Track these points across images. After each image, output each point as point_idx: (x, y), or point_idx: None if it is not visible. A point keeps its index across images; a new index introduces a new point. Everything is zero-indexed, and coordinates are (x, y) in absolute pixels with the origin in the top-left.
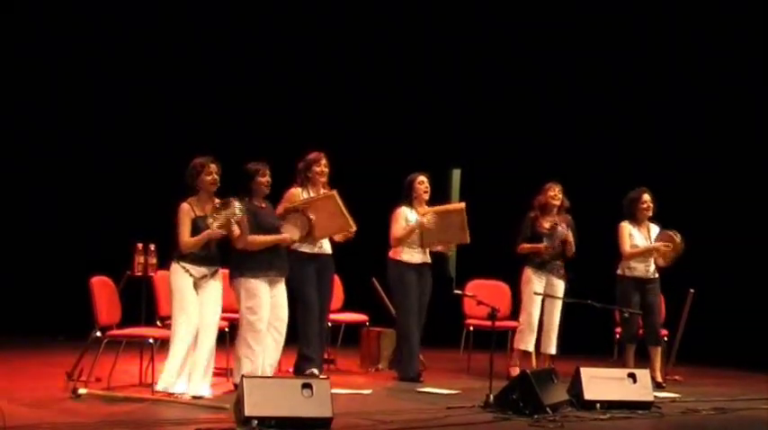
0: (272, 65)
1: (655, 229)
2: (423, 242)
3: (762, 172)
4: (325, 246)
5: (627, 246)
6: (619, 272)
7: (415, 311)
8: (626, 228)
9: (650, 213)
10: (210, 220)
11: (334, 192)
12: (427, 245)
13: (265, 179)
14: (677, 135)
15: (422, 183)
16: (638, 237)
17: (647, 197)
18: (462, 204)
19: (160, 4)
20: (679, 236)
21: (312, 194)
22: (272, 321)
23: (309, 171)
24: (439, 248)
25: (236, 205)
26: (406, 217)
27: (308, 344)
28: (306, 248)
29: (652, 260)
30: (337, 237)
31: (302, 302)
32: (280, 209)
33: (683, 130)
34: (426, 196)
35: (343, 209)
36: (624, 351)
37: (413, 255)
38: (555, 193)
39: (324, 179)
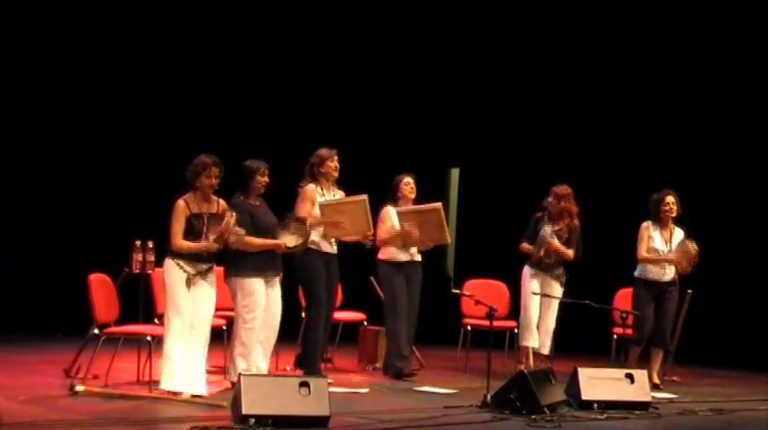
0: (272, 64)
1: (679, 233)
2: (403, 244)
3: (761, 173)
4: (334, 247)
5: (643, 250)
6: (635, 274)
7: (403, 311)
8: (646, 229)
9: (673, 215)
10: (209, 235)
11: (365, 198)
12: (407, 246)
13: (264, 179)
14: (676, 136)
15: (407, 184)
16: (659, 239)
17: (670, 199)
18: (438, 204)
19: (159, 4)
20: (695, 246)
21: (324, 190)
22: (266, 319)
23: (323, 166)
24: (421, 247)
25: (232, 220)
26: (392, 218)
27: (314, 342)
28: (321, 247)
29: (668, 264)
30: (352, 238)
31: (315, 300)
32: (303, 206)
33: (683, 131)
34: (412, 196)
35: (369, 215)
36: (629, 351)
37: (398, 255)
38: (550, 199)
39: (336, 175)
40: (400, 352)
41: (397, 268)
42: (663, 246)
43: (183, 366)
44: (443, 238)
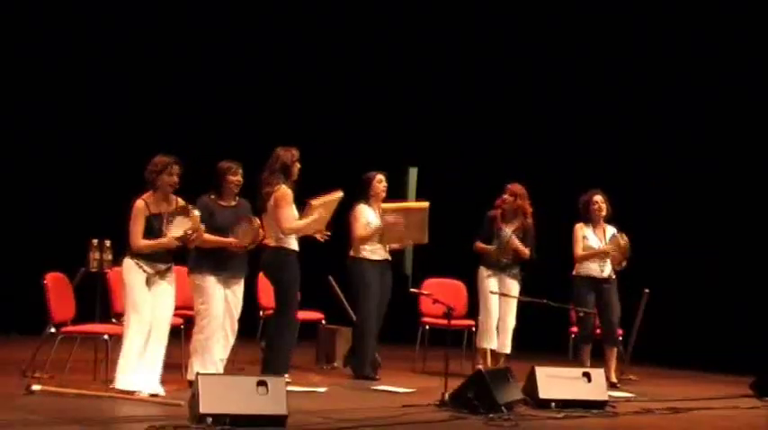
0: (237, 67)
1: (611, 231)
2: (382, 239)
3: (717, 172)
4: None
5: (579, 249)
6: (574, 272)
7: (375, 309)
8: (580, 230)
9: (603, 214)
10: (170, 229)
11: (341, 194)
12: (386, 242)
13: (236, 178)
14: (633, 135)
15: (380, 181)
16: (593, 238)
17: (597, 198)
18: (426, 203)
19: (127, 7)
20: (625, 238)
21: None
22: (226, 320)
23: (294, 167)
24: (395, 246)
25: (197, 216)
26: (366, 215)
27: (286, 345)
28: (295, 246)
29: (607, 260)
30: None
31: (292, 302)
32: (290, 212)
33: (638, 130)
34: (384, 195)
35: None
36: (580, 350)
37: (374, 253)
38: (506, 196)
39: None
40: (372, 351)
41: (371, 266)
42: (598, 243)
43: (141, 365)
44: (422, 238)
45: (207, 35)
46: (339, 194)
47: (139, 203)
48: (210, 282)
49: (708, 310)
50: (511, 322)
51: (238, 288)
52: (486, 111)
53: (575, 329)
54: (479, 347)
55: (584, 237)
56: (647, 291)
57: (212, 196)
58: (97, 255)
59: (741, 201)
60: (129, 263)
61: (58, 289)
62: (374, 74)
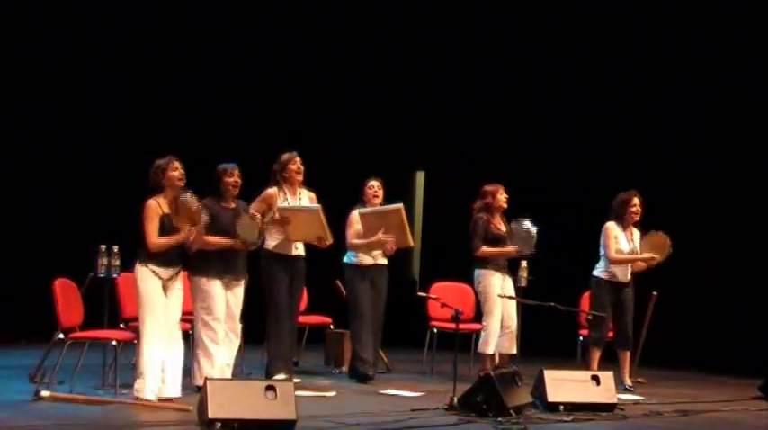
0: (238, 68)
1: (637, 235)
2: (368, 247)
3: (724, 175)
4: (300, 249)
5: (613, 251)
6: (597, 274)
7: (367, 314)
8: (612, 230)
9: (638, 217)
10: (180, 224)
11: (319, 208)
12: (371, 250)
13: (232, 179)
14: (633, 135)
15: (371, 187)
16: (623, 240)
17: (637, 200)
18: (399, 205)
19: (131, 8)
20: (668, 240)
21: (288, 194)
22: (228, 322)
23: (285, 171)
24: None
25: (187, 195)
26: (359, 221)
27: (276, 346)
28: (281, 250)
29: (630, 265)
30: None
31: (273, 304)
32: (256, 207)
33: (639, 130)
34: (377, 200)
35: (324, 223)
36: (590, 353)
37: (363, 259)
38: (506, 197)
39: (300, 178)
40: (363, 357)
41: (362, 272)
42: (627, 245)
43: (164, 372)
44: (406, 241)
45: (207, 35)
46: (314, 207)
47: (152, 202)
48: (214, 285)
49: (716, 312)
50: (516, 321)
51: (239, 290)
52: (493, 114)
53: (584, 332)
54: (487, 353)
55: (616, 238)
56: (654, 293)
57: (212, 199)
58: (105, 261)
59: (747, 202)
60: (143, 270)
61: (66, 294)
62: (382, 76)
